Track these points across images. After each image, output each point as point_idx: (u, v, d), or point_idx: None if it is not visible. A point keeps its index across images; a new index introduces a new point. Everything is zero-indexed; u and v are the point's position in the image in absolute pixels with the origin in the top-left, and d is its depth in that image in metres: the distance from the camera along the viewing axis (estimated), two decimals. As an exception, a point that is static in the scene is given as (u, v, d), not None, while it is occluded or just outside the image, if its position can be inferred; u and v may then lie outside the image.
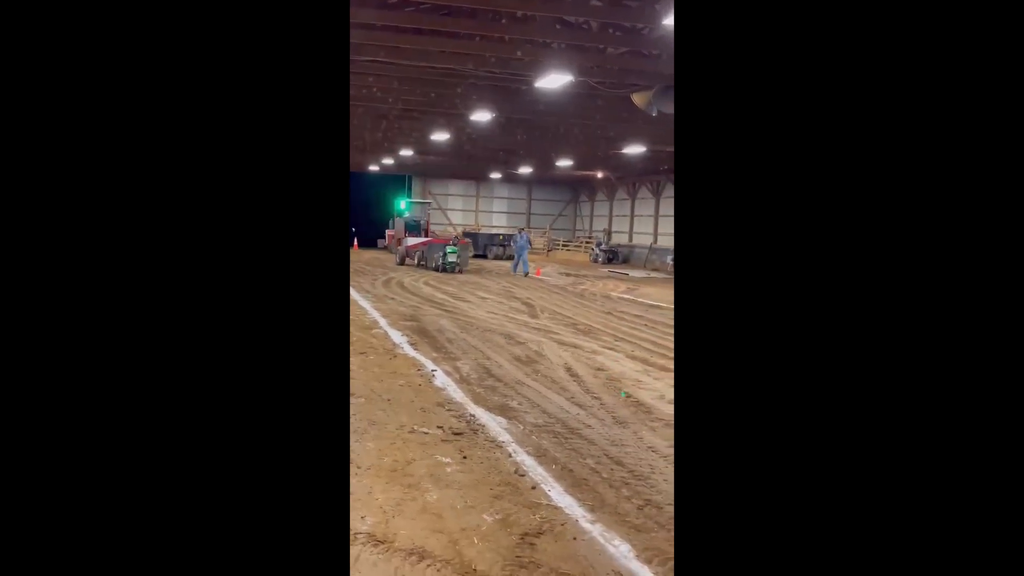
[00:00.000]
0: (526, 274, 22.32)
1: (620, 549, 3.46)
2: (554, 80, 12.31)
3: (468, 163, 30.72)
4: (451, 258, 23.04)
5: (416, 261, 24.28)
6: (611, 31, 10.25)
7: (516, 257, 23.52)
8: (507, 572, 3.16)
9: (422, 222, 27.98)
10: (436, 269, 22.86)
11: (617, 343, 9.73)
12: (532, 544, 3.45)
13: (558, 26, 10.10)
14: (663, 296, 16.99)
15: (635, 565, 3.32)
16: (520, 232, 24.89)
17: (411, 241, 24.82)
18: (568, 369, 7.75)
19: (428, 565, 3.19)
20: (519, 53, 11.13)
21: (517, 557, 3.31)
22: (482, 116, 16.88)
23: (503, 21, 9.93)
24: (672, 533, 3.60)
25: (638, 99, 12.65)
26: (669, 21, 8.97)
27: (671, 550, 3.40)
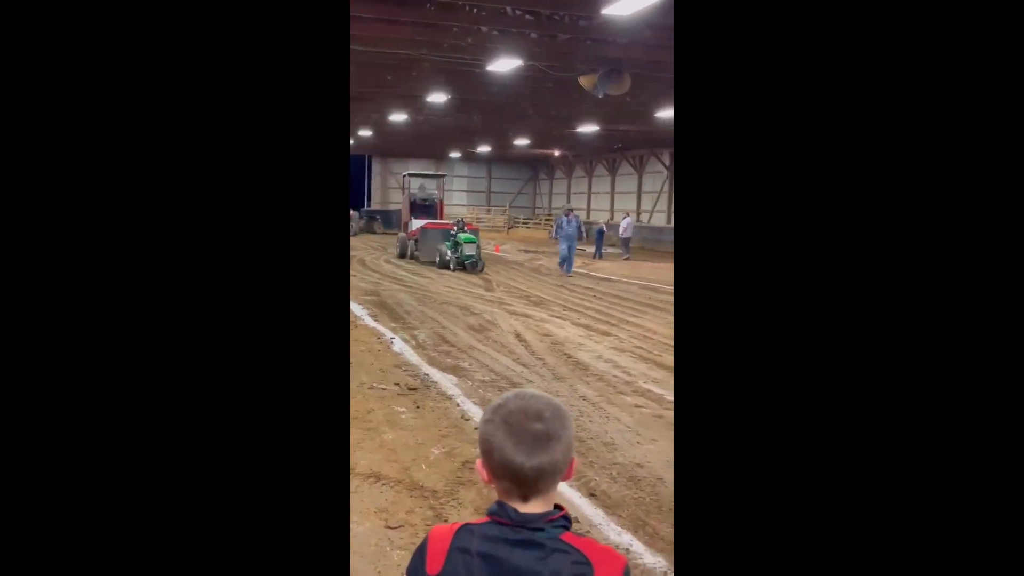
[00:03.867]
0: (570, 273, 16.02)
1: (544, 471, 4.18)
2: (504, 64, 12.91)
3: (427, 142, 31.00)
4: (468, 250, 15.95)
5: (408, 254, 18.48)
6: (556, 18, 10.87)
7: (568, 251, 16.20)
8: (448, 488, 3.87)
9: (434, 200, 21.31)
10: (444, 266, 16.30)
11: (565, 312, 10.47)
12: (471, 468, 4.16)
13: (507, 8, 10.67)
14: (615, 270, 17.81)
15: (555, 482, 4.05)
16: (568, 215, 17.03)
17: (418, 226, 18.61)
18: (517, 335, 8.46)
19: (383, 484, 3.89)
20: (470, 40, 11.70)
21: (458, 478, 4.02)
22: (438, 98, 17.37)
23: (454, 10, 10.49)
24: (584, 458, 4.35)
25: (585, 81, 13.28)
26: (607, 10, 9.62)
27: (586, 472, 4.15)
